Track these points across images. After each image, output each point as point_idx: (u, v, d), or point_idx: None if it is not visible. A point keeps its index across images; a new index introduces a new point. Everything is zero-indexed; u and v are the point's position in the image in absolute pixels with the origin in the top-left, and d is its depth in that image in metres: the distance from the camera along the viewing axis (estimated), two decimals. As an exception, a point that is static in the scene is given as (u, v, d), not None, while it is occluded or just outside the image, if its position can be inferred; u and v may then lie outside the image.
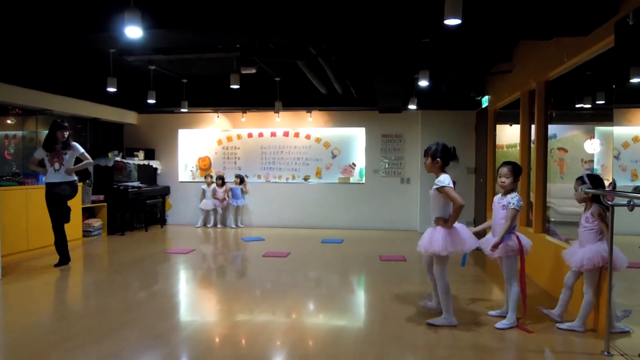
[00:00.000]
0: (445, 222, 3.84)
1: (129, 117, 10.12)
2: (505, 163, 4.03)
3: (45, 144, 6.17)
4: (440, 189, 3.82)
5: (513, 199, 3.86)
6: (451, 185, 3.82)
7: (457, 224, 3.89)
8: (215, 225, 10.03)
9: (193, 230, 9.64)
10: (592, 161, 7.00)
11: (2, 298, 4.78)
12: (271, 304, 4.53)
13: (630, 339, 3.59)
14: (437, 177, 3.91)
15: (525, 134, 6.09)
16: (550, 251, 4.90)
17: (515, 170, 3.97)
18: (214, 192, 9.89)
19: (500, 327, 3.80)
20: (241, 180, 10.00)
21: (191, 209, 10.28)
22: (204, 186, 10.02)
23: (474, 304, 4.54)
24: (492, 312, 4.16)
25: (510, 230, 3.86)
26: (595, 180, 3.77)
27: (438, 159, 3.92)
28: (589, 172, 4.18)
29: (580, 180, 3.83)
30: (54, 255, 6.27)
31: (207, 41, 6.15)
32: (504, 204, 3.93)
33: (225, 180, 10.04)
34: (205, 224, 10.03)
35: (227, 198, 9.91)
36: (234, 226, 9.94)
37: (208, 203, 9.93)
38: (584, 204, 3.88)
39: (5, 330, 3.87)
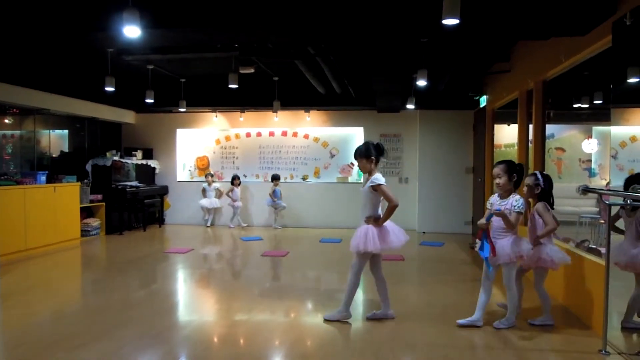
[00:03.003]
0: (376, 220, 3.87)
1: (127, 116, 10.11)
2: (499, 162, 3.90)
3: None
4: (377, 187, 3.84)
5: (517, 201, 3.71)
6: (385, 183, 3.87)
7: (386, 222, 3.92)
8: (210, 224, 10.03)
9: (191, 229, 9.62)
10: (590, 161, 7.03)
11: (1, 297, 4.78)
12: (270, 303, 4.53)
13: (627, 338, 3.61)
14: (371, 175, 3.93)
15: (523, 134, 6.10)
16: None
17: (510, 168, 3.80)
18: (231, 192, 9.77)
19: (498, 327, 3.79)
20: (275, 181, 9.78)
21: (190, 209, 10.27)
22: (205, 185, 10.00)
23: (473, 304, 4.54)
24: (461, 321, 3.96)
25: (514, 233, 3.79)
26: (546, 177, 3.98)
27: (372, 157, 3.95)
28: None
29: (533, 176, 3.99)
30: (53, 254, 6.27)
31: (205, 41, 6.13)
32: (507, 208, 3.74)
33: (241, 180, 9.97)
34: (206, 223, 10.05)
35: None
36: (279, 227, 9.76)
37: (209, 202, 9.90)
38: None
39: (5, 330, 3.87)
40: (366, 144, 4.02)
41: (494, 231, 3.80)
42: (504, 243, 3.74)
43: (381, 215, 3.93)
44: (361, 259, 3.95)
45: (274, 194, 9.67)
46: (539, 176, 3.96)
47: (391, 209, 3.85)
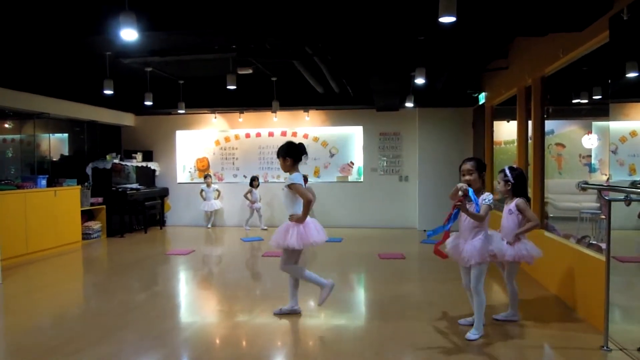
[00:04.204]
0: (299, 218, 3.98)
1: (127, 119, 10.12)
2: (468, 159, 3.76)
3: None
4: (291, 186, 3.96)
5: (488, 196, 3.56)
6: (301, 182, 3.98)
7: (309, 219, 4.04)
8: (210, 225, 10.02)
9: (192, 231, 9.63)
10: (590, 156, 7.01)
11: (2, 302, 4.79)
12: (271, 303, 4.52)
13: (628, 334, 3.60)
14: (291, 175, 4.04)
15: (522, 130, 6.09)
16: (548, 247, 4.90)
17: (479, 165, 3.67)
18: (250, 194, 9.54)
19: (469, 338, 3.54)
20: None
21: (190, 210, 10.27)
22: (204, 186, 9.94)
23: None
24: (462, 321, 3.93)
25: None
26: (515, 172, 3.98)
27: (288, 158, 4.06)
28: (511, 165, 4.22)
29: (502, 173, 4.02)
30: (54, 258, 6.28)
31: (203, 42, 6.15)
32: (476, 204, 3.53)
33: (260, 181, 9.78)
34: (207, 224, 10.03)
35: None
36: None
37: (209, 204, 9.84)
38: (507, 196, 4.05)
39: (6, 334, 3.88)
40: (286, 144, 4.14)
41: (464, 232, 3.65)
42: (475, 243, 3.55)
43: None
44: (289, 256, 4.06)
45: None
46: (507, 172, 3.98)
47: (306, 205, 3.96)
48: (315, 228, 4.04)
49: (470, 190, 3.46)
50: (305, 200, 3.95)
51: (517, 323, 3.87)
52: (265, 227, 9.59)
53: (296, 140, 4.43)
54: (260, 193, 9.92)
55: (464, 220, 3.64)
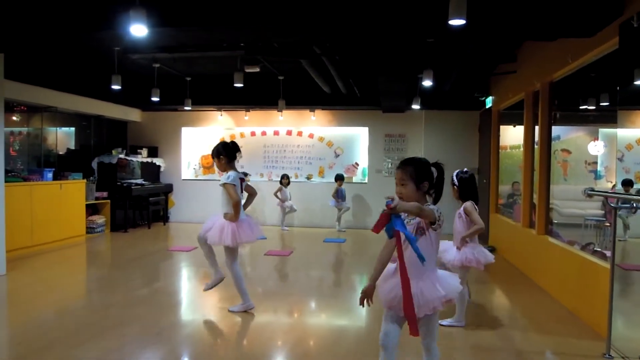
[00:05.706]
0: (232, 217, 4.02)
1: (133, 114, 10.15)
2: (404, 161, 2.50)
3: None
4: (222, 185, 4.03)
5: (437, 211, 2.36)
6: (234, 182, 4.00)
7: (245, 216, 4.13)
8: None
9: (196, 227, 9.56)
10: (596, 163, 6.99)
11: (6, 293, 4.81)
12: (273, 302, 4.54)
13: (631, 342, 3.59)
14: (226, 173, 4.10)
15: (528, 135, 6.08)
16: (552, 254, 4.89)
17: (420, 171, 2.41)
18: (280, 193, 9.32)
19: (445, 324, 3.74)
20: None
21: (194, 207, 10.28)
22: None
23: (474, 305, 4.53)
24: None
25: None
26: (460, 175, 3.90)
27: (222, 157, 4.12)
28: (462, 170, 4.03)
29: (452, 177, 3.92)
30: (58, 251, 6.31)
31: (211, 40, 6.17)
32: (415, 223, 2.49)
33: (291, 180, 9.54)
34: None
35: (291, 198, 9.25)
36: (344, 230, 9.30)
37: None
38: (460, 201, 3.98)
39: (9, 325, 3.90)
40: (219, 145, 4.21)
41: (409, 267, 2.35)
42: (423, 286, 2.44)
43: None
44: (230, 253, 4.12)
45: (337, 194, 9.24)
46: (453, 175, 3.89)
47: (234, 206, 3.98)
48: (249, 227, 4.08)
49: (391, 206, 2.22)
50: (233, 202, 3.96)
51: (515, 328, 3.86)
52: (287, 228, 9.48)
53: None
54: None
55: (408, 254, 2.37)
